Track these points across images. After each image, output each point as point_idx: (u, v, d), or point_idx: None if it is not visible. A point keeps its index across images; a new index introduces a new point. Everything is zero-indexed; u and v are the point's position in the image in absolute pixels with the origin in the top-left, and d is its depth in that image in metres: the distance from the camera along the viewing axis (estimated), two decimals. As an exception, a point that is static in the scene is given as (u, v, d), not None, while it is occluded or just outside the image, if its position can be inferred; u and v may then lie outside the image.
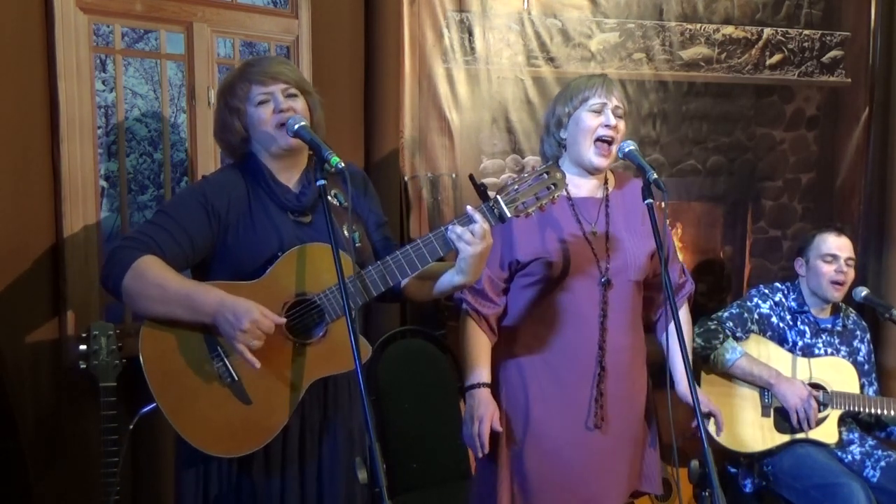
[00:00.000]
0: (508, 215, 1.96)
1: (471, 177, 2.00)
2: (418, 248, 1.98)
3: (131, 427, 2.28)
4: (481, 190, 1.97)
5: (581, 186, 2.35)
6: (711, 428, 2.43)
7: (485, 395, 2.28)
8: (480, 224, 1.94)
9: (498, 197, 1.96)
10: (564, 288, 2.28)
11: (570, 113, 2.31)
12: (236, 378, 1.94)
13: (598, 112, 2.28)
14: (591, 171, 2.33)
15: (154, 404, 1.93)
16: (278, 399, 1.96)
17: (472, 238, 1.94)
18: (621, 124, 2.29)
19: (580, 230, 2.30)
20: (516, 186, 1.97)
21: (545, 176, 1.99)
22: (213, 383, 1.94)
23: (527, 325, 2.33)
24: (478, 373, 2.31)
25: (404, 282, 2.11)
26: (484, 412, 2.25)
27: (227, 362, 1.94)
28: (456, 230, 1.94)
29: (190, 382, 1.93)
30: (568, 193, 2.32)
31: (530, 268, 2.29)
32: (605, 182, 2.39)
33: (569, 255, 2.27)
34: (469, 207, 1.97)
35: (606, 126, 2.26)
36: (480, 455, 2.26)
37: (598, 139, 2.27)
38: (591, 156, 2.28)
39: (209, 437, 1.94)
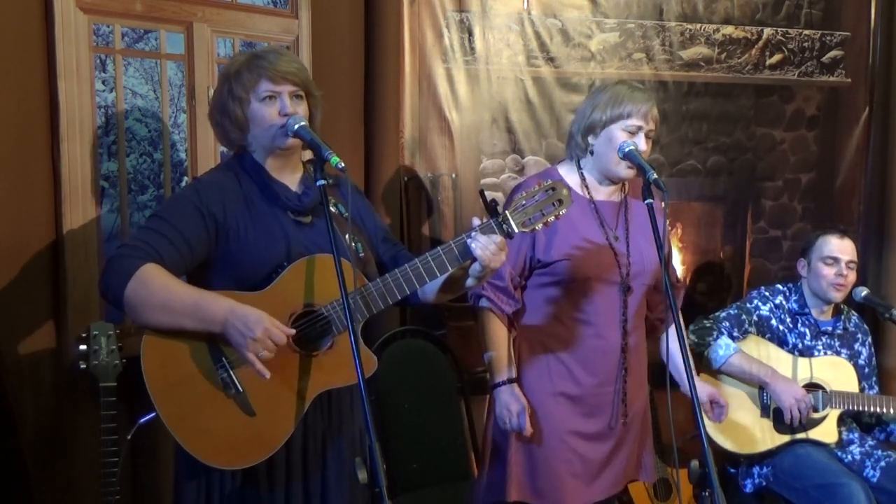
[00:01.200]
0: (516, 231, 1.96)
1: (481, 192, 2.02)
2: (437, 255, 1.97)
3: (129, 437, 2.26)
4: (492, 206, 1.97)
5: (600, 190, 2.38)
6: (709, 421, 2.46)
7: (516, 390, 2.33)
8: (501, 237, 1.95)
9: (507, 213, 1.97)
10: (585, 290, 2.30)
11: (605, 124, 2.29)
12: (241, 389, 1.91)
13: (633, 134, 2.27)
14: (617, 181, 2.36)
15: (153, 414, 1.90)
16: (283, 411, 1.94)
17: (496, 249, 1.94)
18: (649, 147, 2.31)
19: (603, 234, 2.32)
20: (524, 202, 1.98)
21: (552, 192, 2.00)
22: (216, 394, 1.91)
23: (545, 324, 2.35)
24: (505, 369, 2.35)
25: (431, 290, 2.10)
26: (520, 406, 2.30)
27: (231, 373, 1.91)
28: (480, 239, 1.93)
29: (193, 393, 1.90)
30: (591, 196, 2.35)
31: (553, 267, 2.31)
32: (623, 187, 2.41)
33: (592, 259, 2.29)
34: (475, 220, 1.97)
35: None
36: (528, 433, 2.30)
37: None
38: (622, 171, 2.30)
39: (212, 448, 1.91)
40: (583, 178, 2.37)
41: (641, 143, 2.27)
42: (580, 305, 2.31)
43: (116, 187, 2.57)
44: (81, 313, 2.47)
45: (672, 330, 2.28)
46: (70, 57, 2.43)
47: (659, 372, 2.42)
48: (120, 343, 2.33)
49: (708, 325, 2.98)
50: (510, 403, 2.30)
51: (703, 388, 2.47)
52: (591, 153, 2.35)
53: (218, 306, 1.88)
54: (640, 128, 2.27)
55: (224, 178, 2.04)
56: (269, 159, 2.05)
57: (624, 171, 2.29)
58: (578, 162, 2.39)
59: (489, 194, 2.45)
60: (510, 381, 2.33)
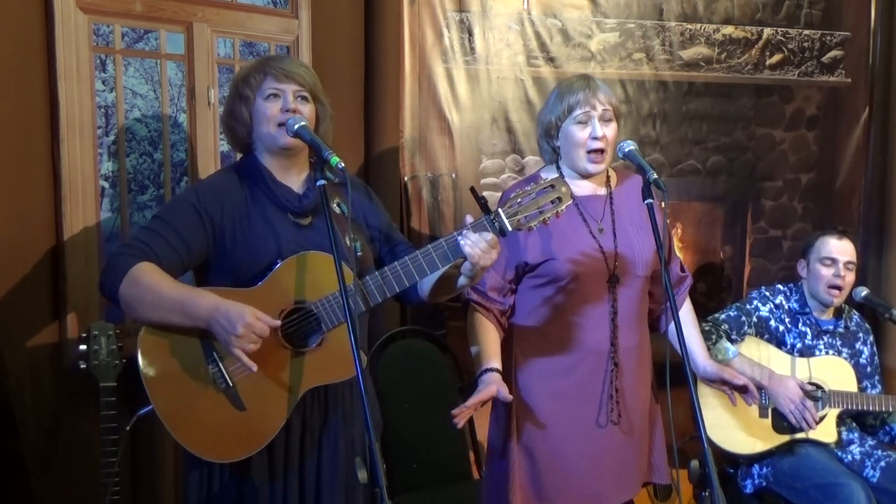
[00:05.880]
0: (509, 229, 1.94)
1: (472, 189, 1.96)
2: (428, 253, 1.96)
3: (128, 428, 2.28)
4: (482, 202, 1.94)
5: (583, 186, 2.36)
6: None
7: (495, 376, 2.23)
8: (492, 235, 1.93)
9: (499, 210, 1.94)
10: (574, 287, 2.29)
11: (558, 125, 2.31)
12: (231, 384, 1.95)
13: (585, 123, 2.27)
14: (588, 177, 2.34)
15: (150, 407, 1.94)
16: (272, 406, 1.97)
17: (486, 247, 1.93)
18: (610, 131, 2.28)
19: (587, 229, 2.31)
20: (519, 200, 1.95)
21: (550, 189, 1.97)
22: (208, 388, 1.95)
23: (537, 324, 2.34)
24: (488, 361, 2.27)
25: (425, 289, 2.11)
26: (498, 387, 2.18)
27: (221, 368, 1.94)
28: (471, 237, 1.92)
29: (186, 387, 1.94)
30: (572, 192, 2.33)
31: (539, 269, 2.29)
32: (608, 180, 2.40)
33: (577, 255, 2.27)
34: (468, 217, 1.96)
35: (594, 139, 2.26)
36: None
37: (590, 151, 2.27)
38: (586, 164, 2.29)
39: (204, 441, 1.95)
40: (562, 177, 2.36)
41: (597, 130, 2.25)
42: (570, 303, 2.29)
43: (116, 187, 2.57)
44: (81, 313, 2.47)
45: (675, 322, 2.24)
46: (70, 57, 2.43)
47: (661, 370, 2.41)
48: (120, 343, 2.33)
49: (706, 328, 2.97)
50: (490, 385, 2.19)
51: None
52: (559, 154, 2.35)
53: (202, 303, 1.91)
54: (588, 115, 2.26)
55: (226, 180, 2.08)
56: (273, 160, 2.07)
57: (589, 165, 2.28)
58: (557, 162, 2.39)
59: (487, 194, 2.43)
60: (492, 370, 2.25)
